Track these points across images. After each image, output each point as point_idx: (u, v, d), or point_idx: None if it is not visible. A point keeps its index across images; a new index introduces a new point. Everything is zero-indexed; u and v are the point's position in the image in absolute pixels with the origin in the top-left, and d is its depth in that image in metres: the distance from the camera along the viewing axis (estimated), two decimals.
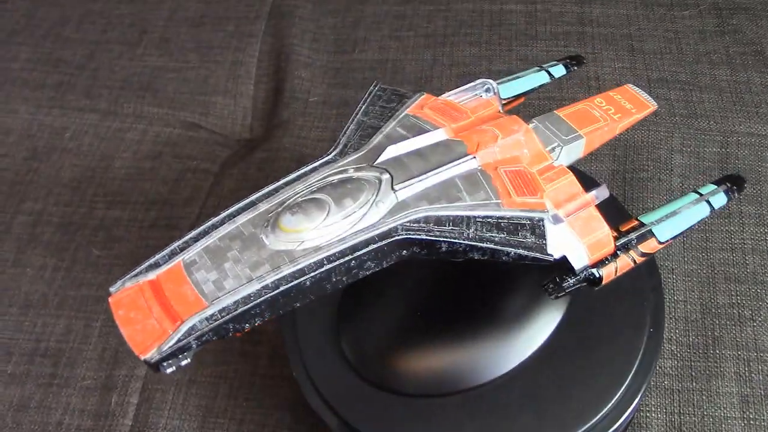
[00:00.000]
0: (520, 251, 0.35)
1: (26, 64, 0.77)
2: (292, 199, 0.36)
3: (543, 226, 0.36)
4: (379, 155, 0.38)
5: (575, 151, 0.43)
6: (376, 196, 0.36)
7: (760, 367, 0.51)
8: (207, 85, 0.74)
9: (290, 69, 0.73)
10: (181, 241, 0.35)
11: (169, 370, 0.31)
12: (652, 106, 0.45)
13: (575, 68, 0.50)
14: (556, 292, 0.38)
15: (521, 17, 0.75)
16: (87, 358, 0.57)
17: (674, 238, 0.40)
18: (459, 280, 0.46)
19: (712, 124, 0.64)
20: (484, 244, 0.35)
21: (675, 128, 0.64)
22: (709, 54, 0.70)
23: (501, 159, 0.39)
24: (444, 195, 0.37)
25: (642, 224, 0.39)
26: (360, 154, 0.39)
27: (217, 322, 0.32)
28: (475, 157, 0.39)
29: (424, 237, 0.35)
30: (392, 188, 0.36)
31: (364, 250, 0.34)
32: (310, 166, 0.39)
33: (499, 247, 0.35)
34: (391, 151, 0.39)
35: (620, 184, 0.61)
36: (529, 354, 0.43)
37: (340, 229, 0.35)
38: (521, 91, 0.46)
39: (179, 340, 0.31)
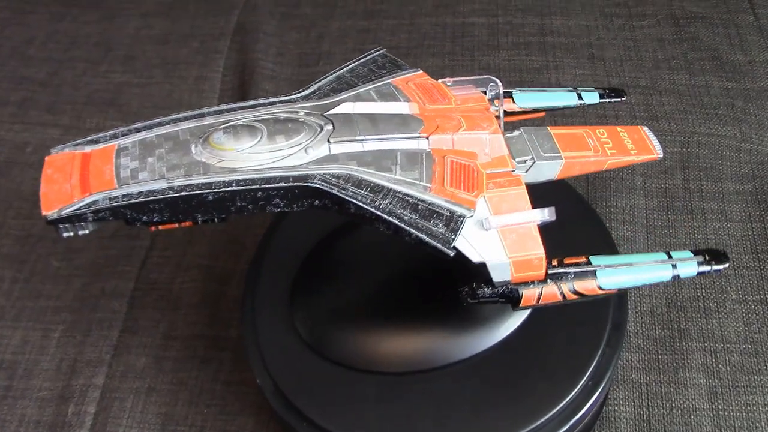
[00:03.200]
0: (423, 236, 0.35)
1: None
2: (236, 121, 0.37)
3: (461, 222, 0.35)
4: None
5: (548, 170, 0.42)
6: (310, 141, 0.37)
7: (726, 358, 0.51)
8: (171, 99, 0.74)
9: (255, 82, 0.73)
10: (126, 128, 0.38)
11: (65, 234, 0.35)
12: (656, 153, 0.43)
13: (611, 100, 0.48)
14: (468, 297, 0.38)
15: (483, 29, 0.76)
16: (44, 369, 0.55)
17: (621, 289, 0.39)
18: (422, 268, 0.46)
19: (672, 125, 0.65)
20: (391, 218, 0.35)
21: None
22: (668, 60, 0.71)
23: (456, 150, 0.39)
24: (376, 162, 0.37)
25: (588, 262, 0.38)
26: (320, 102, 0.39)
27: (116, 204, 0.34)
28: (427, 138, 0.39)
29: (335, 192, 0.35)
30: (328, 140, 0.37)
31: (274, 185, 0.35)
32: (270, 99, 0.40)
33: (403, 226, 0.35)
34: (346, 107, 0.39)
35: (584, 184, 0.61)
36: (477, 351, 0.43)
37: (262, 160, 0.36)
38: (541, 106, 0.45)
39: (78, 209, 0.34)
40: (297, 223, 0.52)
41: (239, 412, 0.52)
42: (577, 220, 0.48)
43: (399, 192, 0.36)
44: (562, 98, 0.46)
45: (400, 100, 0.40)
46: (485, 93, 0.42)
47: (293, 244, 0.50)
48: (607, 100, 0.47)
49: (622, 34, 0.74)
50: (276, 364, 0.45)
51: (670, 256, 0.39)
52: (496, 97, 0.42)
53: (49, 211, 0.34)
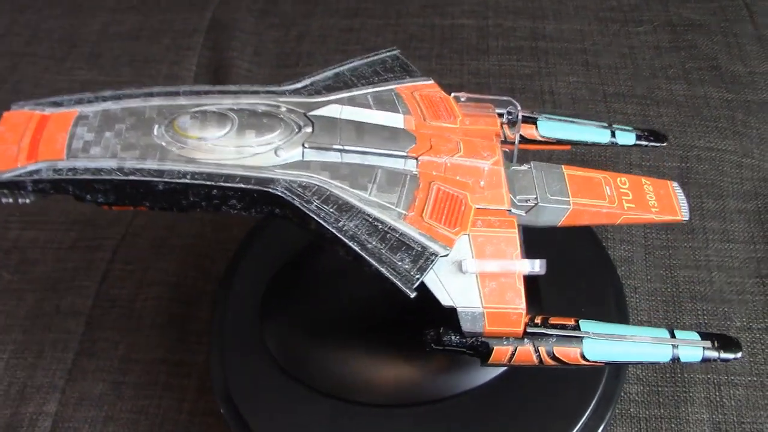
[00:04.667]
0: (383, 270, 0.31)
1: None
2: (209, 106, 0.34)
3: (431, 260, 0.31)
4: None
5: (551, 215, 0.37)
6: (283, 142, 0.33)
7: (731, 392, 0.48)
8: None
9: (230, 82, 0.69)
10: (93, 95, 0.35)
11: (3, 200, 0.33)
12: (680, 215, 0.39)
13: (649, 143, 0.42)
14: (432, 342, 0.34)
15: (473, 32, 0.72)
16: None
17: (609, 363, 0.35)
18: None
19: (671, 138, 0.62)
20: (352, 244, 0.31)
21: None
22: (665, 69, 0.68)
23: (446, 177, 0.35)
24: (351, 177, 0.33)
25: (576, 327, 0.34)
26: (308, 99, 0.36)
27: (59, 177, 0.32)
28: (416, 159, 0.34)
29: (297, 204, 0.32)
30: (303, 143, 0.33)
31: (232, 185, 0.32)
32: (255, 87, 0.36)
33: (364, 255, 0.31)
34: (333, 110, 0.35)
35: None
36: (445, 396, 0.40)
37: (227, 154, 0.33)
38: (567, 138, 0.41)
39: (18, 176, 0.32)
40: (270, 239, 0.49)
41: None
42: (586, 263, 0.44)
43: (369, 215, 0.32)
44: (593, 134, 0.41)
45: (398, 111, 0.36)
46: (502, 116, 0.38)
47: (266, 262, 0.47)
48: (645, 143, 0.42)
49: (618, 41, 0.71)
50: (238, 383, 0.42)
51: (673, 335, 0.35)
52: (513, 122, 0.38)
53: None
